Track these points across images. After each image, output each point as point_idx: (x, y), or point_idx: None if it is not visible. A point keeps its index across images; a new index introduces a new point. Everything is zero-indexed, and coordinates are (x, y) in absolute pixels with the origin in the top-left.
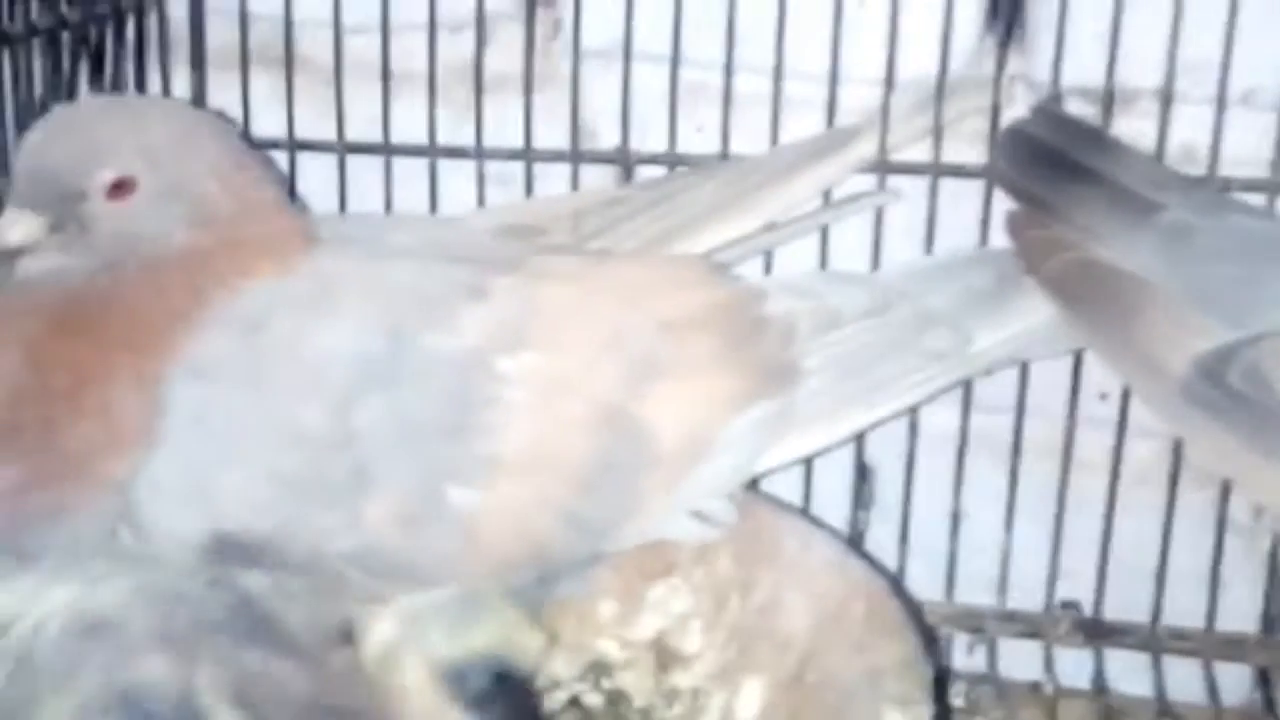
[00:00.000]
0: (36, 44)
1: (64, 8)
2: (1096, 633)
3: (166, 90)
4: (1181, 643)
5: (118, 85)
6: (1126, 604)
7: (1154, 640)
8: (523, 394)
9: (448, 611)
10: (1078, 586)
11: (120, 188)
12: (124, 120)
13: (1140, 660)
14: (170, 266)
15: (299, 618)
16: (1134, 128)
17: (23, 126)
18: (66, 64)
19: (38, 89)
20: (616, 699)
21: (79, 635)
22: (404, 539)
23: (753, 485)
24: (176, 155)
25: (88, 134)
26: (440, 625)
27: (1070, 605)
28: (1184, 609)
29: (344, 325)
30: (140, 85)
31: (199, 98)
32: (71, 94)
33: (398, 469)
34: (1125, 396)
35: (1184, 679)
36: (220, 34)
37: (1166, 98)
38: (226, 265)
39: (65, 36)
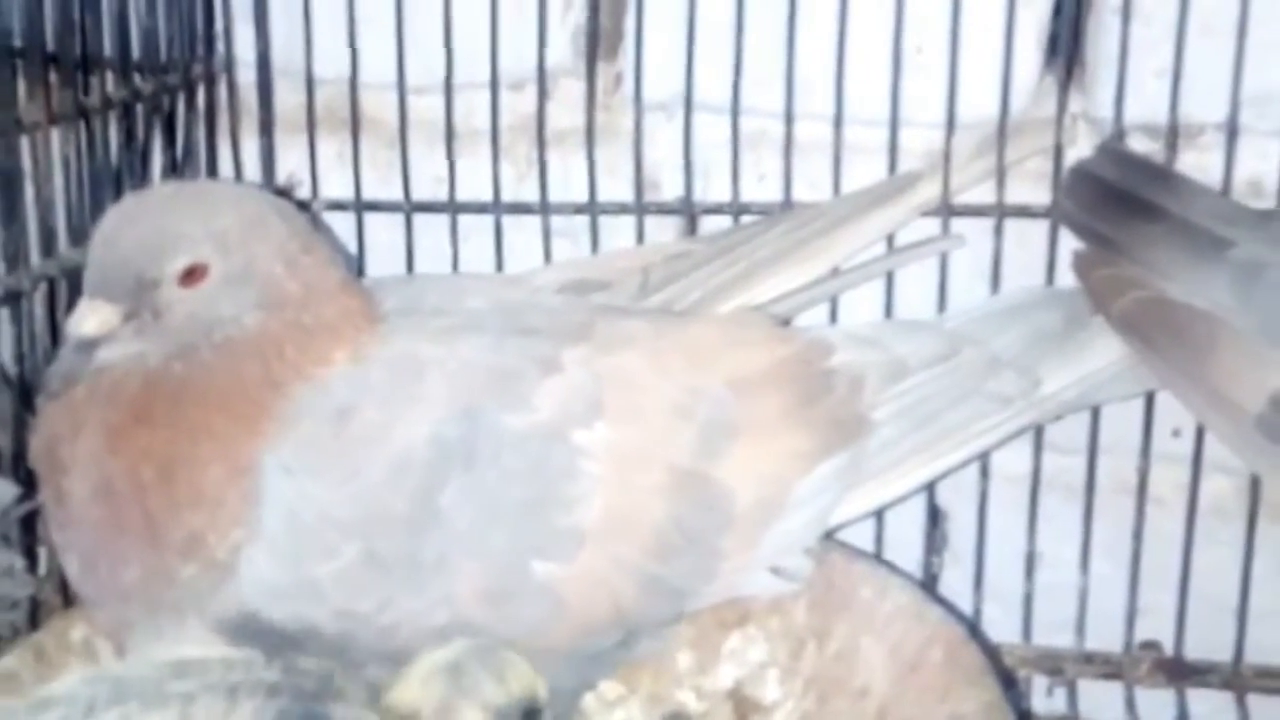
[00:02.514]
0: (112, 115)
1: (138, 80)
2: (1178, 672)
3: (236, 155)
4: (1266, 681)
5: (189, 153)
6: (1208, 643)
7: (1238, 679)
8: (599, 465)
9: (486, 660)
10: (1158, 626)
11: (192, 274)
12: (194, 207)
13: (1224, 700)
14: (244, 353)
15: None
16: (1199, 162)
17: (97, 196)
18: (140, 133)
19: (113, 158)
20: None
21: None
22: (492, 613)
23: (827, 535)
24: (245, 240)
25: (159, 223)
26: (487, 674)
27: (1151, 645)
28: (1268, 646)
29: (423, 412)
30: (211, 152)
31: (268, 162)
32: (145, 162)
33: (483, 547)
34: (1199, 432)
35: (1270, 718)
36: (287, 99)
37: (1232, 131)
38: (300, 355)
39: (139, 108)
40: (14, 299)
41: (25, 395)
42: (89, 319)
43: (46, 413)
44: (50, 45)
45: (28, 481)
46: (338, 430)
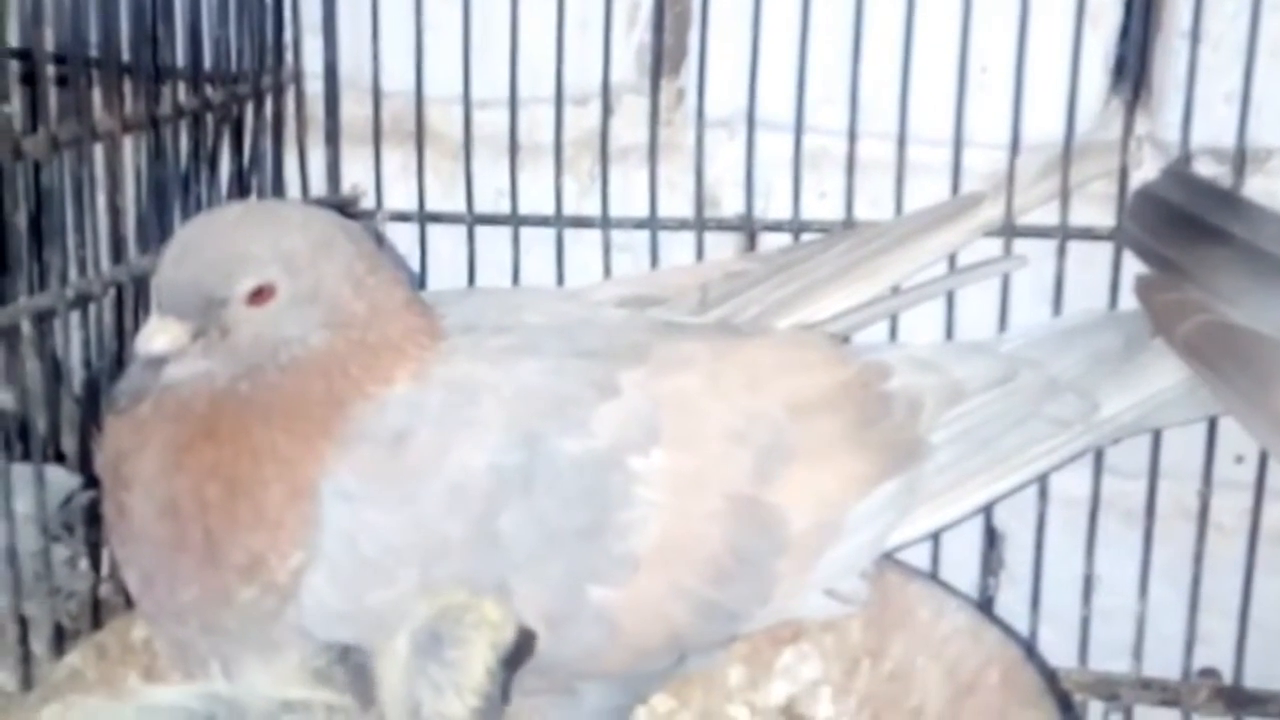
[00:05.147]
0: (183, 124)
1: (208, 90)
2: (1237, 701)
3: (303, 165)
4: None
5: (256, 162)
6: (1268, 671)
7: None
8: (656, 492)
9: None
10: (1217, 653)
11: (260, 294)
12: (263, 228)
13: None
14: (310, 372)
15: None
16: (1267, 187)
17: (166, 203)
18: (209, 142)
19: (182, 166)
20: None
21: None
22: (549, 638)
23: (884, 556)
24: (313, 261)
25: (228, 243)
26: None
27: (1209, 672)
28: None
29: (482, 436)
30: (277, 161)
31: (333, 172)
32: (213, 170)
33: (541, 573)
34: (1263, 459)
35: None
36: (354, 111)
37: None
38: (364, 373)
39: (209, 117)
40: (84, 303)
41: (93, 398)
42: (158, 337)
43: (113, 427)
44: (125, 56)
45: (90, 487)
46: (396, 455)
